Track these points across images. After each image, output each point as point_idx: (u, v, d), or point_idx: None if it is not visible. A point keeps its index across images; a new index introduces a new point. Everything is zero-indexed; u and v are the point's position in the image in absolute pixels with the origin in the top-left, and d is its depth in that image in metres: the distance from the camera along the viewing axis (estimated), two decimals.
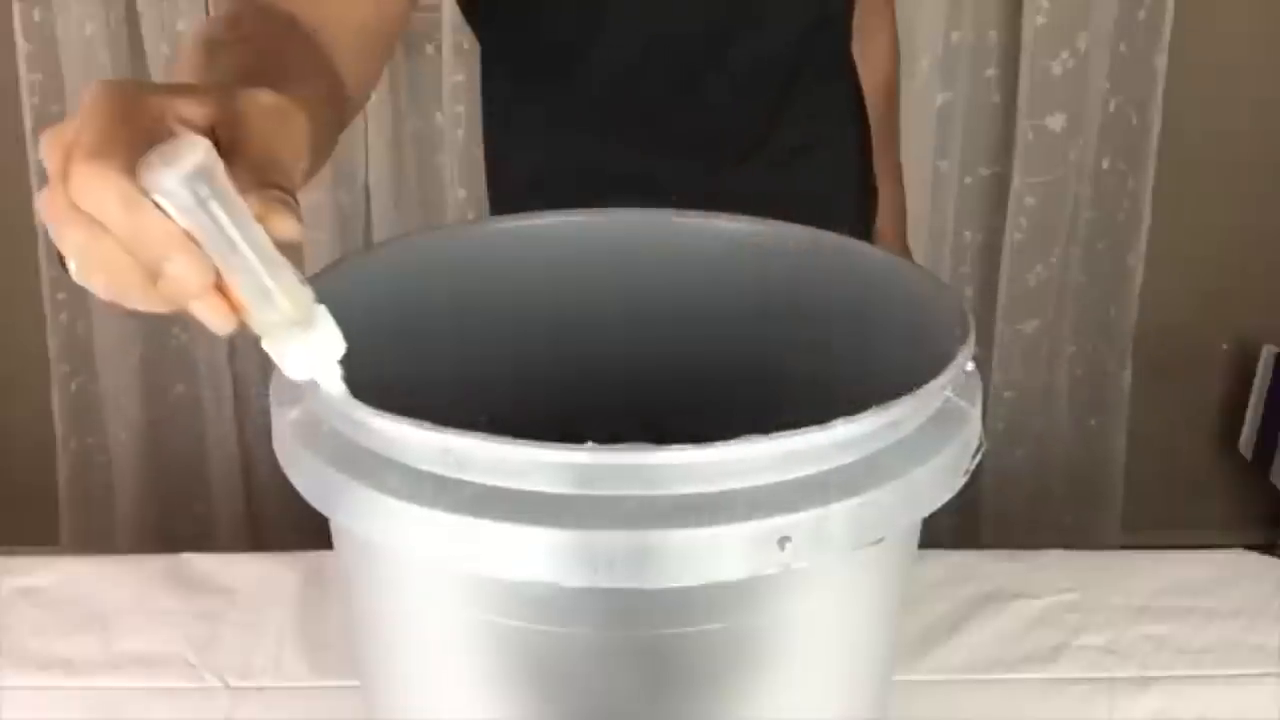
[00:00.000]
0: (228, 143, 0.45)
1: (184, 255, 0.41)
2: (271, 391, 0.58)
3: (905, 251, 1.31)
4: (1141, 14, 1.87)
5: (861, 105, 1.14)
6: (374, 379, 0.54)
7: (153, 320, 1.99)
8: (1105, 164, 1.94)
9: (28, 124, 1.87)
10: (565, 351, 0.78)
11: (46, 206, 0.43)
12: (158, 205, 0.41)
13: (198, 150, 0.41)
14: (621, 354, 0.78)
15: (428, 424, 0.49)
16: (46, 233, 1.91)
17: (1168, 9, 1.85)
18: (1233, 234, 2.05)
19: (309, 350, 0.47)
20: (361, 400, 0.51)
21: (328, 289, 0.66)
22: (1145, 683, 0.90)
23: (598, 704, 0.55)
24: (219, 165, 0.42)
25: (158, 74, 1.83)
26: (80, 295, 1.96)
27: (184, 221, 0.41)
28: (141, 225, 0.41)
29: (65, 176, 0.41)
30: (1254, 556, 1.06)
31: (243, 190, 0.43)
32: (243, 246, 0.42)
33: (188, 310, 0.44)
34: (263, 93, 0.47)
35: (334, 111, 0.64)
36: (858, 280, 0.71)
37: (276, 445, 0.56)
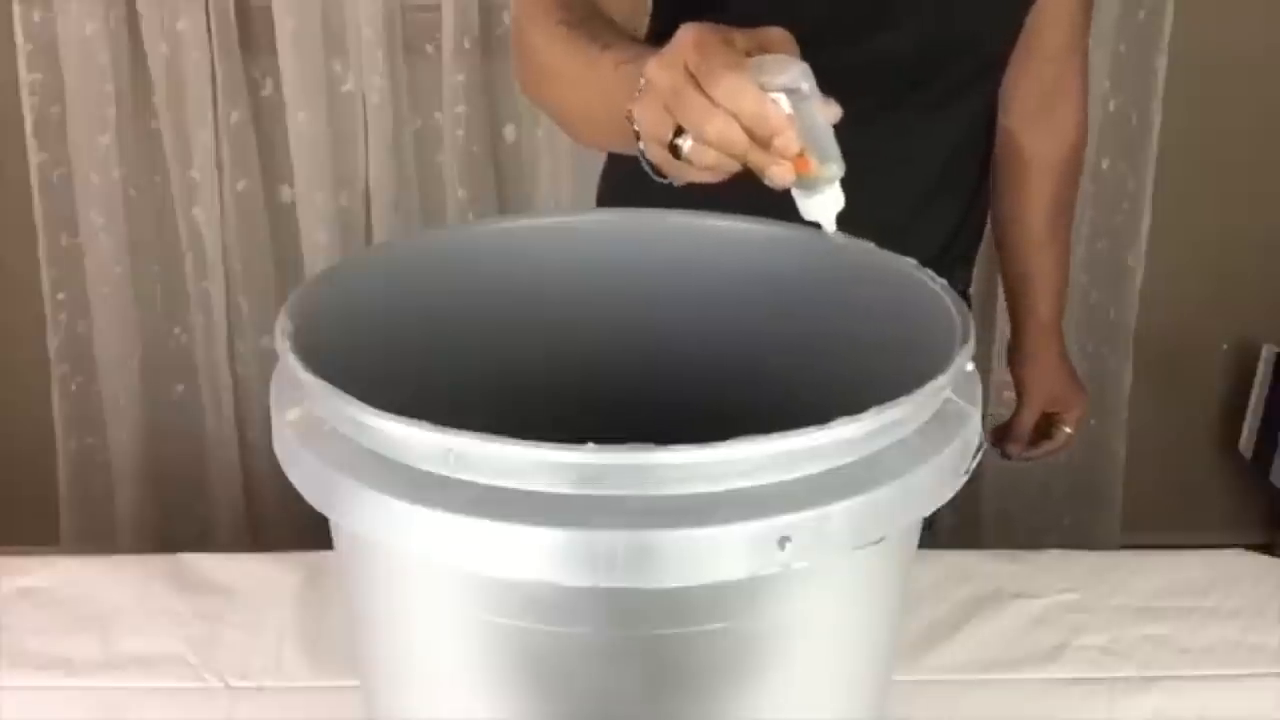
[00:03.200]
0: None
1: (790, 131, 0.62)
2: (272, 392, 0.58)
3: (1056, 332, 1.28)
4: (1141, 14, 1.87)
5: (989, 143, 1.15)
6: (374, 379, 0.54)
7: (153, 320, 1.99)
8: (1105, 164, 1.94)
9: (28, 124, 1.87)
10: (565, 351, 0.78)
11: (679, 109, 0.63)
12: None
13: (797, 64, 0.63)
14: (621, 353, 0.78)
15: (428, 424, 0.49)
16: (46, 233, 1.92)
17: (1168, 9, 1.85)
18: (1233, 234, 2.05)
19: (828, 200, 0.66)
20: (363, 400, 0.51)
21: (328, 290, 0.66)
22: (1145, 683, 0.90)
23: (598, 704, 0.55)
24: (810, 75, 0.63)
25: (158, 74, 1.83)
26: (80, 295, 1.96)
27: (789, 109, 0.62)
28: (766, 113, 0.61)
29: (706, 85, 0.61)
30: (1254, 556, 1.06)
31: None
32: (821, 125, 0.63)
33: (764, 169, 0.63)
34: (773, 28, 0.67)
35: None
36: (857, 280, 0.71)
37: (276, 445, 0.56)
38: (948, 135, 1.07)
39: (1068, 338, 2.01)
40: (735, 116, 0.61)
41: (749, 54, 0.64)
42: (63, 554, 1.44)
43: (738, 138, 0.62)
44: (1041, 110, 1.15)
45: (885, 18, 0.97)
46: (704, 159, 0.64)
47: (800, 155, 0.63)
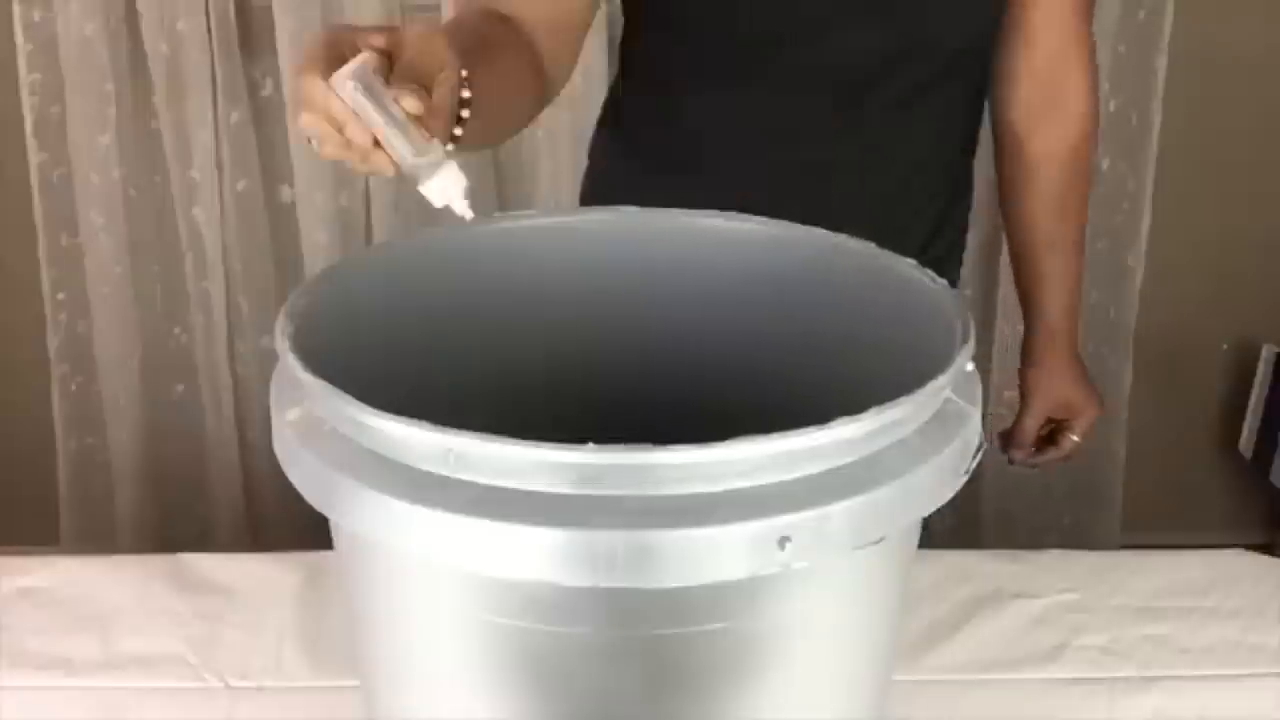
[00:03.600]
0: (395, 59, 0.67)
1: (353, 124, 0.65)
2: (271, 392, 0.58)
3: (1066, 335, 1.22)
4: (1141, 14, 1.87)
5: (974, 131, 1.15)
6: (374, 379, 0.54)
7: (153, 320, 1.99)
8: (1105, 164, 1.94)
9: (28, 124, 1.87)
10: (565, 351, 0.78)
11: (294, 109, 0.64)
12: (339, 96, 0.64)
13: (356, 61, 0.64)
14: (621, 353, 0.78)
15: (428, 424, 0.49)
16: (46, 233, 1.92)
17: (1168, 9, 1.85)
18: (1233, 234, 2.05)
19: (447, 184, 0.67)
20: (362, 400, 0.51)
21: (328, 290, 0.66)
22: (1145, 683, 0.90)
23: (598, 704, 0.55)
24: (368, 69, 0.64)
25: (158, 74, 1.83)
26: (80, 295, 1.96)
27: (350, 104, 0.64)
28: (330, 108, 0.64)
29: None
30: (1254, 556, 1.06)
31: (398, 84, 0.66)
32: (377, 118, 0.64)
33: (362, 164, 0.66)
34: (416, 25, 0.68)
35: (532, 74, 0.89)
36: (857, 281, 0.71)
37: (276, 445, 0.56)
38: (914, 136, 1.06)
39: None
40: (323, 114, 0.65)
41: (388, 51, 0.66)
42: (63, 554, 1.44)
43: (326, 132, 0.66)
44: (1044, 106, 1.15)
45: (844, 19, 0.97)
46: (324, 150, 0.67)
47: (376, 145, 0.65)
